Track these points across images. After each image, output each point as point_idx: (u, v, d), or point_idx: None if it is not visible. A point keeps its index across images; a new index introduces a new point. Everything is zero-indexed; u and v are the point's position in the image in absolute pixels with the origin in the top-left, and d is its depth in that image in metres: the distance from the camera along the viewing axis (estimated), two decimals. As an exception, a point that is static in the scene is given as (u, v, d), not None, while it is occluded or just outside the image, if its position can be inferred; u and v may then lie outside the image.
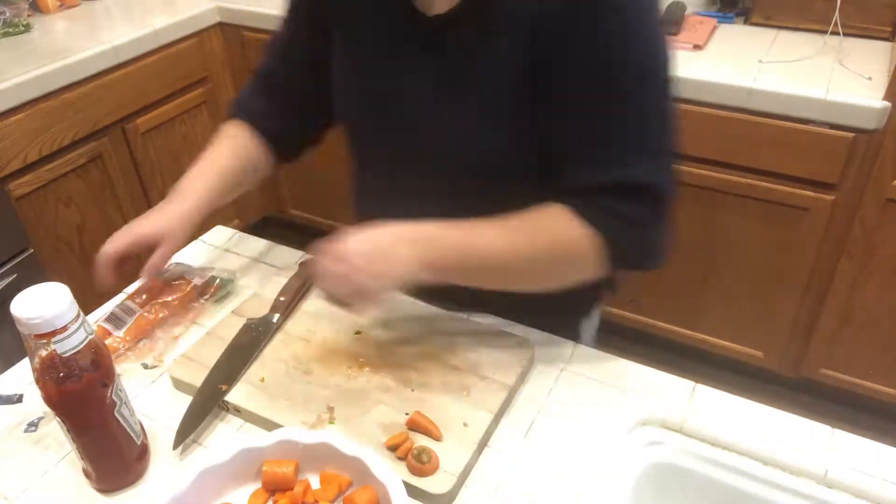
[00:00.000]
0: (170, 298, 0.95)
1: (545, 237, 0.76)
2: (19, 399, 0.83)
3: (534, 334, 0.90)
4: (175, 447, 0.75)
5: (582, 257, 0.76)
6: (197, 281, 0.96)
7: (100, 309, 0.98)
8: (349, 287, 0.73)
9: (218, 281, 0.98)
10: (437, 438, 0.74)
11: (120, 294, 1.00)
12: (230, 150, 0.97)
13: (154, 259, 0.87)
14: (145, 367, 0.87)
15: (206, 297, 0.97)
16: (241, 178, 0.97)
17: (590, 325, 1.06)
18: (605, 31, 0.70)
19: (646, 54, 0.72)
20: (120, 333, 0.89)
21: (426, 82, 0.80)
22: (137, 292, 0.95)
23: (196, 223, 0.90)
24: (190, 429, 0.77)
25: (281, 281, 0.97)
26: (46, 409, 0.77)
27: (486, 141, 0.79)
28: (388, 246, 0.74)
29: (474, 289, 0.79)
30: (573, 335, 0.94)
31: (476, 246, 0.76)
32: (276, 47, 0.99)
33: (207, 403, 0.80)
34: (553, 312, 0.90)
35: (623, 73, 0.72)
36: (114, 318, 0.91)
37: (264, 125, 0.98)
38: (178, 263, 1.02)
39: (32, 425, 0.80)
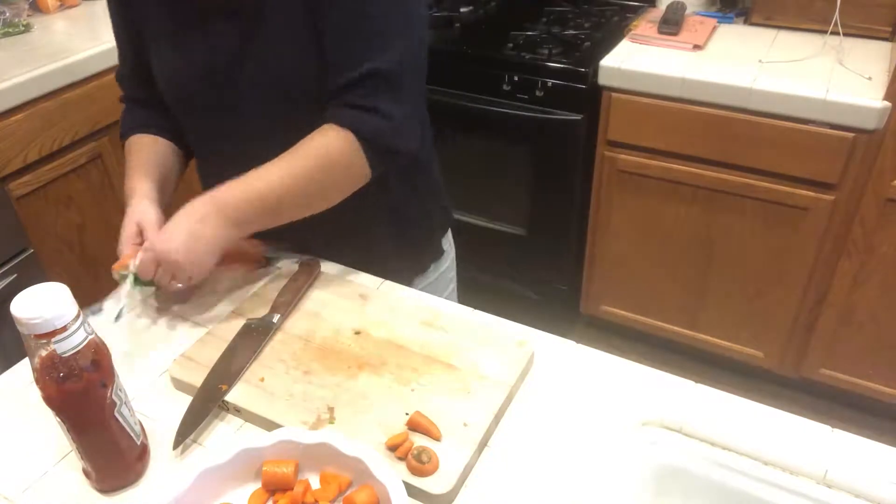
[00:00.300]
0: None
1: (313, 155, 0.88)
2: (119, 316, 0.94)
3: (534, 334, 0.90)
4: (175, 447, 0.76)
5: (344, 159, 0.89)
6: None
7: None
8: (181, 278, 0.88)
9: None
10: (437, 438, 0.74)
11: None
12: (148, 149, 1.05)
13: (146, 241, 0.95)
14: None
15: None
16: (173, 161, 1.09)
17: (450, 244, 1.19)
18: None
19: None
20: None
21: (226, 37, 0.90)
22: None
23: (157, 209, 0.99)
24: (190, 429, 0.77)
25: (282, 281, 0.97)
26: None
27: (290, 69, 0.89)
28: (192, 230, 0.87)
29: (317, 237, 0.95)
30: (437, 253, 1.14)
31: (261, 190, 0.88)
32: (122, 70, 1.11)
33: (207, 403, 0.80)
34: (399, 254, 1.08)
35: None
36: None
37: (156, 129, 1.07)
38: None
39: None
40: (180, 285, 0.89)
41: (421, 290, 1.01)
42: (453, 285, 1.23)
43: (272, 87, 0.91)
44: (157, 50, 0.98)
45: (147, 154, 1.04)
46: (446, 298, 1.04)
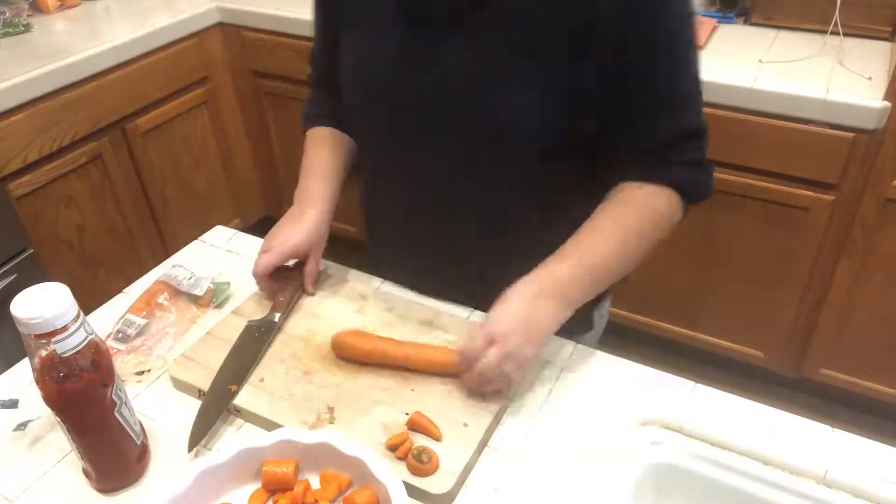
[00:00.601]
0: (167, 304, 0.94)
1: (643, 221, 0.84)
2: (14, 404, 0.83)
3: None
4: (190, 450, 0.75)
5: (667, 218, 0.86)
6: (196, 291, 0.96)
7: (99, 314, 0.98)
8: (513, 363, 0.74)
9: (211, 286, 0.98)
10: (437, 438, 0.74)
11: (121, 294, 1.00)
12: (331, 147, 1.00)
13: (310, 268, 0.93)
14: (140, 374, 0.87)
15: (204, 306, 0.97)
16: (341, 166, 1.00)
17: (601, 317, 1.07)
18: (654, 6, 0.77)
19: (680, 9, 0.80)
20: (125, 348, 0.89)
21: (458, 53, 0.81)
22: (138, 302, 0.95)
23: (329, 224, 0.95)
24: (204, 431, 0.77)
25: (283, 280, 0.97)
26: (41, 411, 0.77)
27: (517, 110, 0.80)
28: (529, 309, 0.76)
29: (489, 285, 0.80)
30: (587, 325, 1.02)
31: (596, 264, 0.81)
32: (315, 47, 1.02)
33: (218, 405, 0.79)
34: None
35: (674, 34, 0.80)
36: (119, 334, 0.90)
37: (341, 123, 1.01)
38: (177, 266, 1.02)
39: (21, 425, 0.80)
40: (502, 388, 0.77)
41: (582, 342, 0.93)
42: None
43: (491, 124, 0.82)
44: (357, 42, 0.90)
45: (328, 152, 0.99)
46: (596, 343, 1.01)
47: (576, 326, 0.94)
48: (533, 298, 0.76)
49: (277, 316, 0.90)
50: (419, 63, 0.83)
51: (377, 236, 1.07)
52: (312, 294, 0.95)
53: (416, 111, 0.86)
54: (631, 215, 0.84)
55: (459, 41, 0.80)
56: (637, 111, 0.82)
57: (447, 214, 0.93)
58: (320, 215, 0.93)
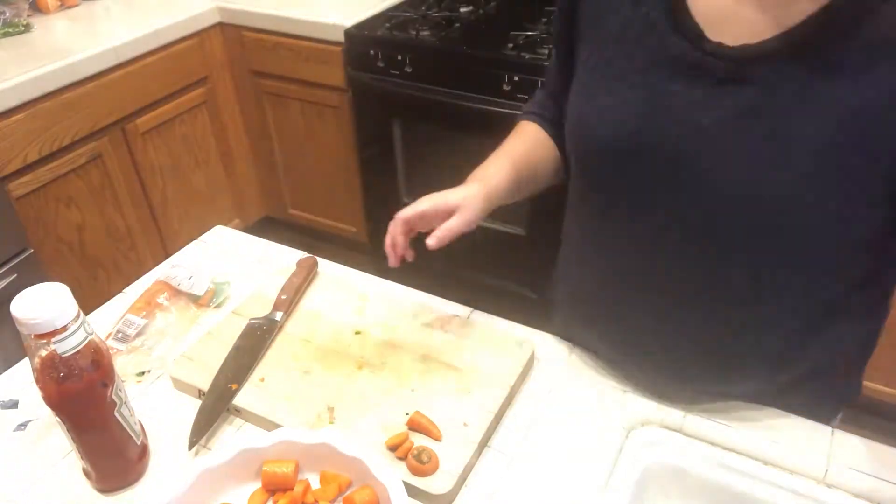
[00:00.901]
0: (167, 304, 0.94)
1: None
2: (14, 405, 0.83)
3: (534, 334, 0.90)
4: (190, 448, 0.75)
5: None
6: (196, 291, 0.96)
7: (99, 314, 0.98)
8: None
9: (211, 286, 0.98)
10: (437, 438, 0.74)
11: (121, 294, 1.00)
12: (533, 142, 0.90)
13: (452, 223, 0.78)
14: (140, 374, 0.87)
15: (204, 306, 0.97)
16: (535, 166, 0.89)
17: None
18: None
19: None
20: (125, 348, 0.89)
21: (714, 120, 0.65)
22: (138, 302, 0.95)
23: (492, 204, 0.82)
24: (204, 429, 0.77)
25: (281, 280, 0.97)
26: (41, 411, 0.77)
27: (803, 208, 0.63)
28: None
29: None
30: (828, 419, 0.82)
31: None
32: (553, 67, 0.89)
33: (218, 403, 0.80)
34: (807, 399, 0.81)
35: None
36: (119, 334, 0.90)
37: (556, 135, 0.91)
38: (176, 266, 1.02)
39: (22, 425, 0.80)
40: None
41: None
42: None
43: (742, 206, 0.65)
44: (588, 81, 0.76)
45: (524, 145, 0.89)
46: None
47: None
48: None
49: (279, 314, 0.90)
50: (670, 118, 0.68)
51: (571, 304, 0.92)
52: (432, 248, 0.78)
53: (646, 171, 0.71)
54: None
55: (731, 98, 0.65)
56: None
57: (650, 293, 0.77)
58: (482, 190, 0.80)
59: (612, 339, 0.84)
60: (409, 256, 0.82)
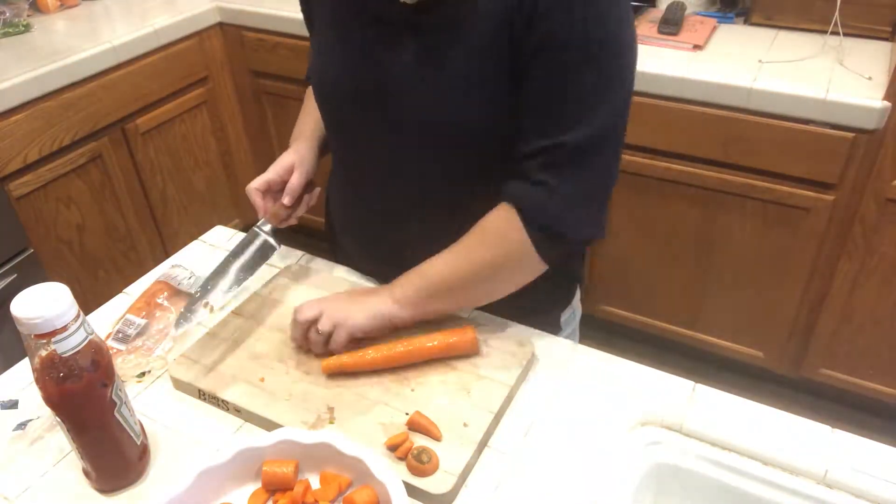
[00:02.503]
0: (167, 304, 0.94)
1: (486, 242, 0.83)
2: (14, 405, 0.83)
3: (534, 334, 0.90)
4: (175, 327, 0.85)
5: (513, 244, 0.81)
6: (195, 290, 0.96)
7: (99, 314, 0.98)
8: (329, 319, 0.83)
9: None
10: (438, 438, 0.74)
11: (121, 294, 1.00)
12: (313, 104, 1.02)
13: (292, 180, 0.94)
14: (140, 375, 0.87)
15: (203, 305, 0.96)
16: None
17: (571, 317, 1.07)
18: (581, 14, 0.72)
19: (606, 35, 0.74)
20: (125, 348, 0.89)
21: (403, 59, 0.81)
22: (138, 302, 0.95)
23: (318, 154, 1.00)
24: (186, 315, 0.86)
25: (281, 280, 0.97)
26: (41, 410, 0.77)
27: (458, 115, 0.81)
28: (360, 292, 0.88)
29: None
30: (554, 328, 1.01)
31: (432, 277, 0.85)
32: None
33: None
34: (531, 311, 0.94)
35: (578, 44, 0.73)
36: (119, 334, 0.90)
37: None
38: (176, 266, 1.02)
39: (21, 425, 0.80)
40: (332, 348, 0.84)
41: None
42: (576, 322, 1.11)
43: (434, 121, 0.82)
44: (319, 42, 0.93)
45: (312, 104, 1.03)
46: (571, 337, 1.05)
47: (544, 328, 0.93)
48: (365, 293, 0.88)
49: (261, 221, 0.94)
50: (369, 63, 0.84)
51: (336, 227, 1.10)
52: (287, 205, 0.94)
53: (360, 110, 0.87)
54: (482, 243, 0.83)
55: (411, 42, 0.80)
56: (525, 114, 0.78)
57: (388, 209, 0.94)
58: (307, 143, 0.99)
59: (369, 254, 1.02)
60: (280, 216, 0.95)
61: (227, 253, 0.93)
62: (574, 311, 1.07)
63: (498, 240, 0.82)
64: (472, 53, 0.77)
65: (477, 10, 0.76)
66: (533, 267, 0.83)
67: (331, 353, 0.84)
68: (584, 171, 0.78)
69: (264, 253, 0.94)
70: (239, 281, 0.90)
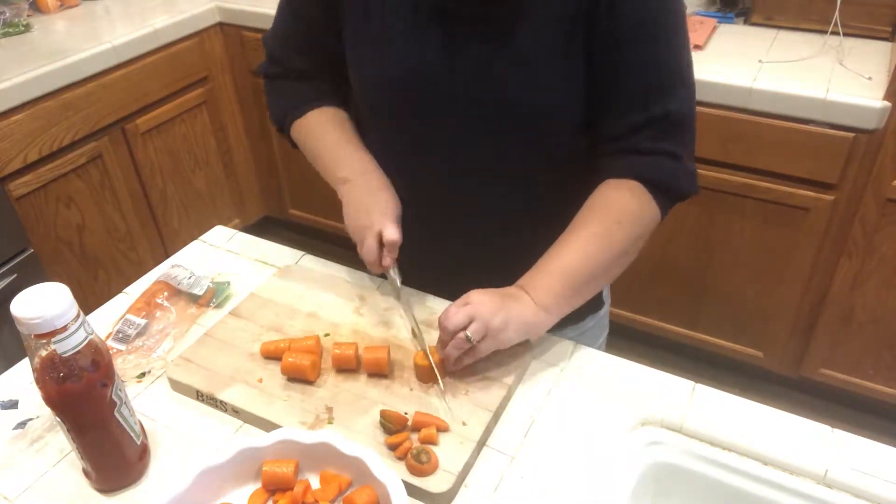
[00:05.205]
0: (167, 304, 0.94)
1: (617, 222, 0.82)
2: (14, 405, 0.83)
3: (534, 334, 0.90)
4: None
5: (641, 220, 0.84)
6: (196, 290, 0.96)
7: (99, 314, 0.98)
8: (487, 339, 0.77)
9: (211, 285, 0.98)
10: (446, 429, 0.74)
11: (121, 294, 1.00)
12: (344, 122, 0.99)
13: (391, 237, 0.87)
14: (140, 375, 0.87)
15: (204, 306, 0.97)
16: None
17: (601, 324, 1.07)
18: None
19: (676, 11, 0.81)
20: (125, 348, 0.89)
21: (472, 53, 0.82)
22: (138, 303, 0.95)
23: (390, 186, 0.93)
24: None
25: (278, 280, 0.97)
26: (41, 411, 0.77)
27: (533, 97, 0.82)
28: (508, 300, 0.79)
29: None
30: (576, 319, 0.99)
31: (573, 273, 0.81)
32: (280, 35, 0.99)
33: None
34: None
35: (659, 18, 0.79)
36: (119, 335, 0.90)
37: (334, 102, 1.00)
38: (176, 266, 1.02)
39: (21, 425, 0.80)
40: (467, 361, 0.80)
41: (572, 338, 0.91)
42: (606, 332, 1.12)
43: (504, 108, 0.83)
44: (368, 39, 0.88)
45: (349, 127, 0.98)
46: (597, 348, 0.97)
47: (586, 307, 0.92)
48: (510, 296, 0.80)
49: (392, 270, 0.89)
50: (446, 57, 0.83)
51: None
52: (387, 266, 0.88)
53: (444, 104, 0.85)
54: (606, 223, 0.82)
55: (484, 36, 0.81)
56: (615, 90, 0.81)
57: (470, 205, 0.92)
58: (380, 173, 0.93)
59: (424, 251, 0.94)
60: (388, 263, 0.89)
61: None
62: (600, 321, 1.06)
63: (636, 219, 0.83)
64: (544, 36, 0.79)
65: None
66: (655, 223, 0.86)
67: (451, 359, 0.79)
68: (690, 133, 0.84)
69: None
70: None
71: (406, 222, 0.90)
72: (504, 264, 0.86)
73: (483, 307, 0.77)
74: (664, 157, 0.83)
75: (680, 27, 0.82)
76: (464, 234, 0.95)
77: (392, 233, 0.86)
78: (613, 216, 0.83)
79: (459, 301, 0.79)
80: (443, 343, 0.78)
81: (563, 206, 0.87)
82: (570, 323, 0.98)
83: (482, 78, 0.82)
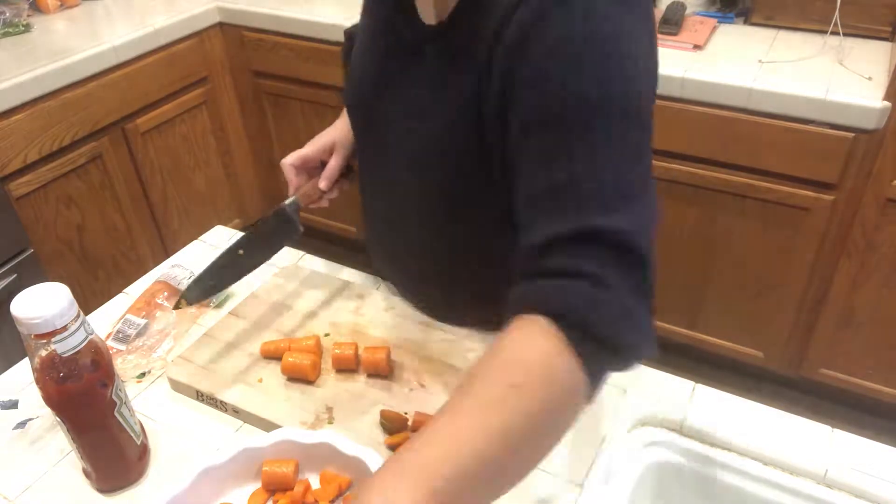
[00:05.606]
0: (167, 304, 0.94)
1: (513, 388, 0.52)
2: (14, 405, 0.83)
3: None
4: (177, 306, 0.81)
5: (559, 380, 0.53)
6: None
7: (99, 314, 0.98)
8: None
9: None
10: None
11: (121, 294, 1.00)
12: None
13: (332, 163, 0.92)
14: (140, 375, 0.87)
15: (204, 306, 0.97)
16: None
17: None
18: (561, 53, 0.59)
19: (611, 79, 0.59)
20: (125, 348, 0.89)
21: (406, 88, 0.77)
22: (138, 303, 0.95)
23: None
24: (202, 289, 0.81)
25: (279, 281, 0.97)
26: (41, 410, 0.77)
27: (436, 163, 0.76)
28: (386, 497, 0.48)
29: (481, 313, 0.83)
30: None
31: (474, 458, 0.50)
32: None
33: (223, 270, 0.83)
34: None
35: (580, 105, 0.58)
36: (119, 335, 0.90)
37: None
38: (176, 266, 1.02)
39: (21, 424, 0.80)
40: None
41: None
42: None
43: (414, 169, 0.79)
44: (354, 56, 0.89)
45: None
46: None
47: None
48: (395, 483, 0.49)
49: (291, 199, 0.89)
50: (382, 81, 0.80)
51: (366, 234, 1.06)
52: (323, 190, 0.91)
53: (368, 124, 0.85)
54: (496, 390, 0.53)
55: (418, 72, 0.75)
56: (518, 188, 0.63)
57: (393, 231, 0.91)
58: (344, 123, 0.94)
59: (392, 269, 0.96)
60: (312, 197, 0.91)
61: (243, 236, 0.87)
62: None
63: (541, 380, 0.52)
64: (453, 106, 0.70)
65: (471, 51, 0.67)
66: (582, 396, 0.55)
67: None
68: (637, 265, 0.60)
69: (287, 233, 0.87)
70: (256, 262, 0.84)
71: (367, 225, 0.96)
72: (442, 294, 0.85)
73: None
74: (581, 281, 0.55)
75: (616, 116, 0.58)
76: (405, 261, 0.93)
77: (288, 157, 0.90)
78: (509, 376, 0.53)
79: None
80: None
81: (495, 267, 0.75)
82: None
83: (407, 115, 0.78)
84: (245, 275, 0.85)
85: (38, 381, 0.64)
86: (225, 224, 1.18)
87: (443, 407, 0.56)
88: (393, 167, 0.83)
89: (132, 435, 0.72)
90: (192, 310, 0.96)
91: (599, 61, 0.59)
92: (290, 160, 0.91)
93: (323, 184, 0.90)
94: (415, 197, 0.82)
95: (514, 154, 0.64)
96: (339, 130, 0.94)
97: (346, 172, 0.94)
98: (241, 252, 0.84)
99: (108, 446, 0.70)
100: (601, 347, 0.54)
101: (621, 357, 0.57)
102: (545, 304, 0.55)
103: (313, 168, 0.93)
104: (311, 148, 0.92)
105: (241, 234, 1.13)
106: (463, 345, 0.86)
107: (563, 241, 0.57)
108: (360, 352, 0.84)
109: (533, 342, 0.54)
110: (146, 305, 0.94)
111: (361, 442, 0.71)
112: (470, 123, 0.69)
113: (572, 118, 0.59)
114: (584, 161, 0.58)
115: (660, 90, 0.73)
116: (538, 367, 0.53)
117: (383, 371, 0.81)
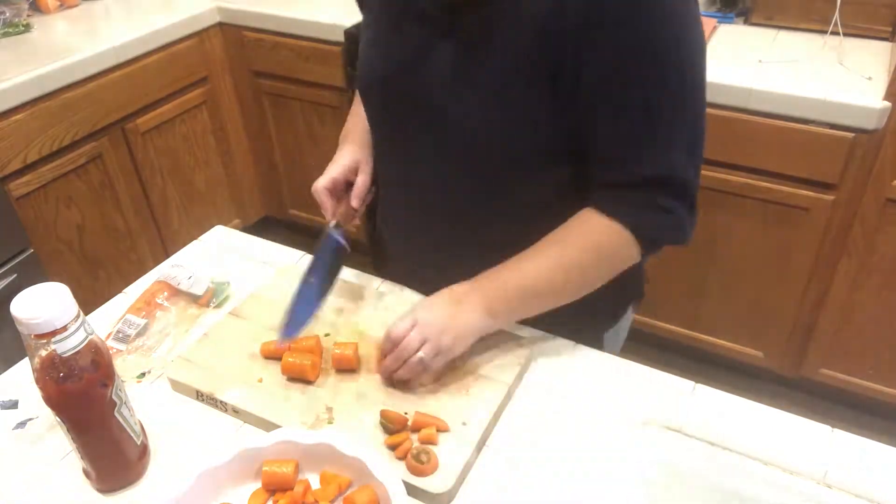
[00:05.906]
0: (167, 304, 0.94)
1: (583, 247, 0.81)
2: (14, 405, 0.83)
3: (534, 333, 0.90)
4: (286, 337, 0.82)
5: (617, 252, 0.82)
6: (195, 290, 0.96)
7: (99, 314, 0.98)
8: (433, 353, 0.77)
9: (211, 285, 0.98)
10: (445, 429, 0.74)
11: (121, 294, 1.00)
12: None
13: (360, 181, 0.94)
14: (140, 375, 0.87)
15: (204, 306, 0.97)
16: None
17: (616, 335, 1.05)
18: (634, 28, 0.70)
19: (679, 48, 0.73)
20: (125, 348, 0.89)
21: (440, 64, 0.80)
22: (138, 303, 0.95)
23: (371, 152, 0.97)
24: (298, 321, 0.83)
25: (281, 281, 0.97)
26: (41, 410, 0.77)
27: (495, 128, 0.79)
28: (454, 309, 0.79)
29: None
30: (597, 344, 0.94)
31: (525, 284, 0.80)
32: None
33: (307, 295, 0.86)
34: (576, 322, 0.89)
35: (653, 71, 0.72)
36: (119, 334, 0.90)
37: None
38: (176, 266, 1.02)
39: (21, 424, 0.80)
40: (421, 380, 0.80)
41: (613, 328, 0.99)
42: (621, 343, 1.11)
43: (465, 131, 0.81)
44: (363, 43, 0.91)
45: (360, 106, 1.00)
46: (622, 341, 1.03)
47: (603, 325, 0.98)
48: (458, 303, 0.79)
49: (332, 223, 0.91)
50: (412, 62, 0.82)
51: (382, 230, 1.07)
52: (356, 209, 0.93)
53: (400, 108, 0.86)
54: (575, 247, 0.81)
55: (450, 44, 0.79)
56: (609, 140, 0.77)
57: (427, 213, 0.93)
58: (358, 144, 0.97)
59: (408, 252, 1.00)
60: (349, 217, 0.94)
61: (308, 267, 0.90)
62: (618, 331, 1.06)
63: (606, 255, 0.82)
64: (508, 64, 0.75)
65: (518, 16, 0.73)
66: (629, 263, 0.84)
67: (402, 380, 0.79)
68: (687, 190, 0.80)
69: (340, 257, 0.92)
70: (328, 286, 0.89)
71: (389, 221, 0.98)
72: (472, 270, 0.84)
73: (431, 328, 0.77)
74: (654, 211, 0.79)
75: (680, 81, 0.74)
76: (434, 242, 0.95)
77: (320, 180, 0.91)
78: (584, 244, 0.81)
79: (407, 320, 0.78)
80: (384, 353, 0.80)
81: (543, 225, 0.83)
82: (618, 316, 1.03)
83: (446, 90, 0.80)
84: (325, 297, 0.88)
85: (38, 381, 0.64)
86: (225, 224, 1.18)
87: (528, 251, 0.82)
88: (433, 138, 0.84)
89: (132, 435, 0.72)
90: (192, 310, 0.96)
91: (677, 24, 0.72)
92: (322, 183, 0.92)
93: (355, 202, 0.93)
94: (465, 162, 0.83)
95: (584, 103, 0.74)
96: (357, 149, 0.96)
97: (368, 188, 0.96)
98: (311, 280, 0.88)
99: (108, 446, 0.70)
100: (657, 248, 0.84)
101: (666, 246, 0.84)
102: (624, 218, 0.79)
103: (341, 190, 0.94)
104: (338, 170, 0.93)
105: (243, 233, 1.13)
106: (463, 345, 0.86)
107: (642, 183, 0.77)
108: (360, 352, 0.84)
109: (608, 229, 0.80)
110: (146, 305, 0.94)
111: (361, 442, 0.71)
112: (527, 81, 0.75)
113: (654, 76, 0.72)
114: (660, 118, 0.74)
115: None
116: (607, 246, 0.81)
117: None
